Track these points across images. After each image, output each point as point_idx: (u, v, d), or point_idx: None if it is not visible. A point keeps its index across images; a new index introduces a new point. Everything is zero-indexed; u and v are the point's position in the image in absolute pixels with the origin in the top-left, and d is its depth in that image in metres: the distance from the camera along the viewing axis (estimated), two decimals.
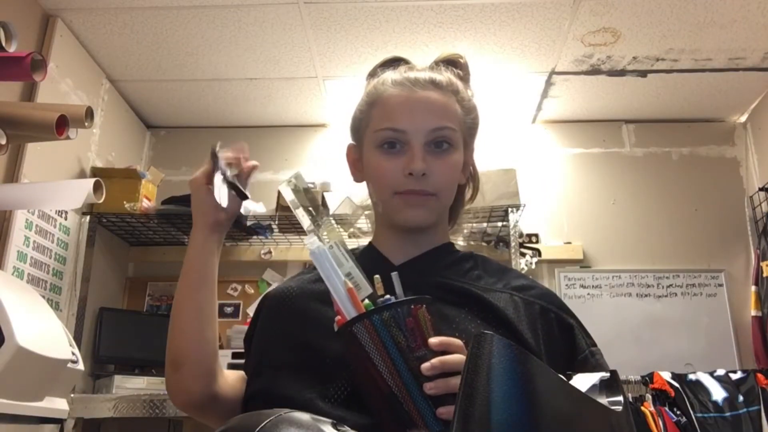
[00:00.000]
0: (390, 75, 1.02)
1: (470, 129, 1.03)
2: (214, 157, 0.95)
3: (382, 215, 1.01)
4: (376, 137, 0.98)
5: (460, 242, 1.11)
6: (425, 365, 0.71)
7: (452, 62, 1.06)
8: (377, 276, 0.80)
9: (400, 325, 0.74)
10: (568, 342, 0.93)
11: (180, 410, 0.99)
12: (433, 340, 0.73)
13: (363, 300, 0.78)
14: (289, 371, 0.88)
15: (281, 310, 0.97)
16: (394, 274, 0.79)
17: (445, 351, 0.73)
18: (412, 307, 0.75)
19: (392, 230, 1.01)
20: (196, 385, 0.94)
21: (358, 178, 1.06)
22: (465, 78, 1.06)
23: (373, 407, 0.76)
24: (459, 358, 0.72)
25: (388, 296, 0.78)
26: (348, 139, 1.08)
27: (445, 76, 1.01)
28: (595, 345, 0.95)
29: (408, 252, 1.00)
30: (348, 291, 0.77)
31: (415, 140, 0.95)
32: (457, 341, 0.75)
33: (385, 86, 1.00)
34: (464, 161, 1.02)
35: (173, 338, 0.94)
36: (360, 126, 1.03)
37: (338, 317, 0.78)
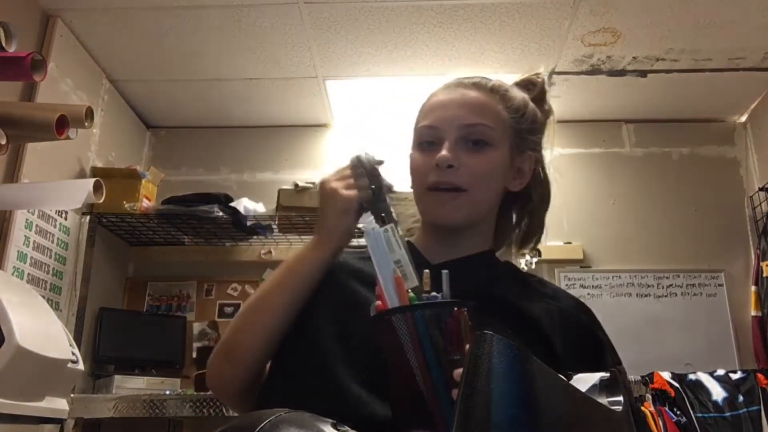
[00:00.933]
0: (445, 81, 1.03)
1: (522, 132, 1.00)
2: (373, 177, 0.88)
3: (420, 214, 1.01)
4: (415, 136, 0.99)
5: None
6: (458, 371, 0.70)
7: (528, 82, 1.06)
8: (427, 271, 0.79)
9: (440, 325, 0.72)
10: (596, 357, 0.92)
11: (211, 390, 0.98)
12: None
13: (408, 290, 0.77)
14: (315, 346, 0.88)
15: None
16: (445, 273, 0.78)
17: None
18: (456, 309, 0.74)
19: (430, 232, 1.00)
20: (240, 383, 0.93)
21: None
22: (538, 96, 1.05)
23: (394, 398, 0.75)
24: None
25: (434, 293, 0.77)
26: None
27: (494, 80, 1.01)
28: (620, 363, 0.93)
29: (446, 254, 0.97)
30: (395, 279, 0.76)
31: (447, 136, 0.95)
32: None
33: (435, 90, 1.02)
34: (519, 167, 1.00)
35: (240, 331, 0.92)
36: (413, 132, 1.03)
37: (378, 302, 0.77)
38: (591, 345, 0.93)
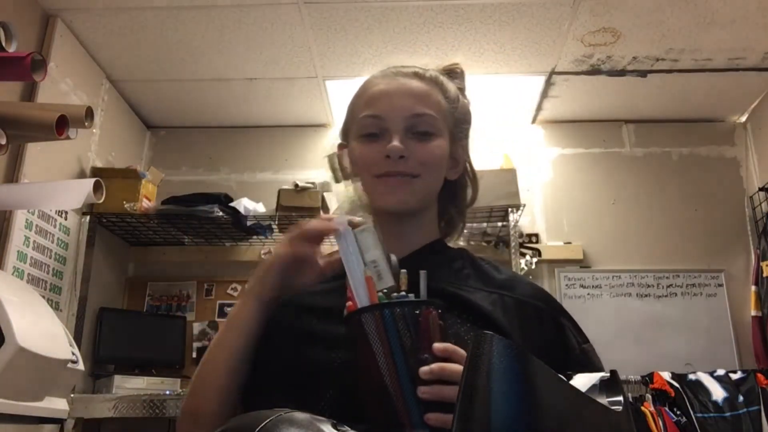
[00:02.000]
0: (380, 70, 1.03)
1: (458, 122, 1.02)
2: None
3: (369, 205, 1.01)
4: (358, 127, 0.98)
5: (460, 243, 1.09)
6: (424, 369, 0.71)
7: (450, 71, 1.07)
8: (404, 270, 0.80)
9: (408, 324, 0.73)
10: (560, 342, 0.92)
11: None
12: (438, 346, 0.73)
13: (382, 291, 0.77)
14: (276, 384, 0.87)
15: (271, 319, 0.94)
16: (423, 273, 0.78)
17: (447, 359, 0.72)
18: (425, 309, 0.74)
19: (380, 224, 0.99)
20: None
21: (339, 178, 1.05)
22: (460, 86, 1.06)
23: (363, 396, 0.76)
24: (458, 368, 0.71)
25: (403, 293, 0.77)
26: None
27: (430, 70, 1.02)
28: (587, 342, 0.94)
29: (397, 247, 0.95)
30: (366, 279, 0.77)
31: (394, 126, 0.95)
32: (461, 351, 0.73)
33: (371, 78, 1.01)
34: (455, 157, 1.02)
35: (198, 392, 0.91)
36: (347, 121, 1.03)
37: (349, 303, 0.77)
38: (552, 331, 0.93)
